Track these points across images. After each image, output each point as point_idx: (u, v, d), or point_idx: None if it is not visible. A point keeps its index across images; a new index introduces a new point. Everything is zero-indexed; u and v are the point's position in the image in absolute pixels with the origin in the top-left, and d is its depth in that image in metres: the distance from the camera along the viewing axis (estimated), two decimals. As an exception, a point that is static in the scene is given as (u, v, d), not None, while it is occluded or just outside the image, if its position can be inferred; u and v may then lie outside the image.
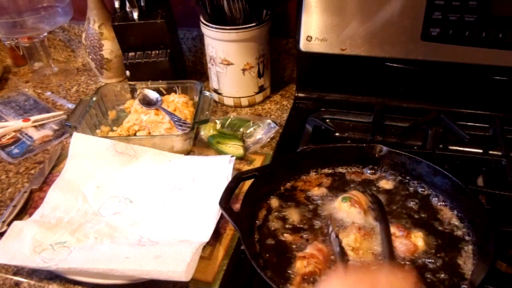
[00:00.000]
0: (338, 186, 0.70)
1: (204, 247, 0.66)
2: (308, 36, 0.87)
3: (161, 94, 0.95)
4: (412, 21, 0.80)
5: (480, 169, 0.76)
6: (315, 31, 0.86)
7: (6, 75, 1.21)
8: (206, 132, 0.90)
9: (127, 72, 1.03)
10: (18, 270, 0.67)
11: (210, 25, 0.91)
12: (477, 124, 0.84)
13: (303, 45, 0.88)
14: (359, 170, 0.73)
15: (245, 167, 0.83)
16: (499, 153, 0.76)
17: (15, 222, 0.70)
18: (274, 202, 0.68)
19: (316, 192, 0.69)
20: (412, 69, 0.86)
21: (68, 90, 1.13)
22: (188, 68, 1.16)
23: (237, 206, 0.64)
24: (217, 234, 0.69)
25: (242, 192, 0.73)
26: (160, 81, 0.97)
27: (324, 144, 0.77)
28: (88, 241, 0.68)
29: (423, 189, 0.68)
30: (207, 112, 0.88)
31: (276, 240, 0.62)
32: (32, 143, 0.94)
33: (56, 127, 0.98)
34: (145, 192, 0.77)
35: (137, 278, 0.61)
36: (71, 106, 1.06)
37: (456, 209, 0.64)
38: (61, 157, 0.88)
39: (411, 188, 0.69)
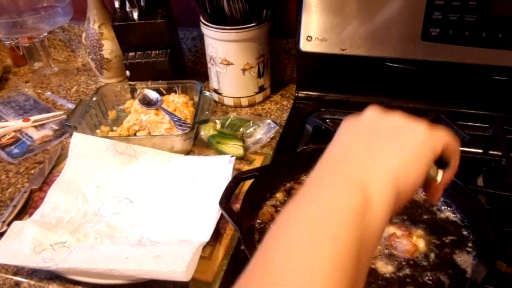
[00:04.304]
0: (338, 186, 0.70)
1: (204, 247, 0.66)
2: (308, 36, 0.87)
3: (161, 94, 0.95)
4: (412, 21, 0.80)
5: (480, 169, 0.76)
6: (315, 31, 0.86)
7: (6, 75, 1.21)
8: (206, 132, 0.89)
9: (127, 72, 1.03)
10: (18, 270, 0.67)
11: (210, 25, 0.91)
12: (477, 124, 0.84)
13: (303, 45, 0.88)
14: (359, 170, 0.72)
15: (245, 167, 0.83)
16: (499, 153, 0.76)
17: (15, 222, 0.69)
18: (274, 201, 0.68)
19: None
20: (412, 69, 0.86)
21: (68, 90, 1.13)
22: (188, 68, 1.16)
23: (237, 206, 0.64)
24: (217, 234, 0.69)
25: (242, 192, 0.73)
26: (160, 81, 0.97)
27: (324, 144, 0.77)
28: (88, 241, 0.68)
29: (423, 189, 0.68)
30: (207, 112, 0.88)
31: (276, 240, 0.62)
32: (32, 143, 0.94)
33: (56, 127, 0.98)
34: (145, 192, 0.77)
35: (137, 278, 0.61)
36: (71, 106, 1.05)
37: (456, 209, 0.64)
38: (61, 157, 0.88)
39: (411, 188, 0.69)
